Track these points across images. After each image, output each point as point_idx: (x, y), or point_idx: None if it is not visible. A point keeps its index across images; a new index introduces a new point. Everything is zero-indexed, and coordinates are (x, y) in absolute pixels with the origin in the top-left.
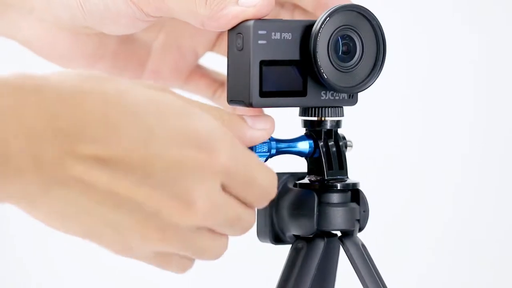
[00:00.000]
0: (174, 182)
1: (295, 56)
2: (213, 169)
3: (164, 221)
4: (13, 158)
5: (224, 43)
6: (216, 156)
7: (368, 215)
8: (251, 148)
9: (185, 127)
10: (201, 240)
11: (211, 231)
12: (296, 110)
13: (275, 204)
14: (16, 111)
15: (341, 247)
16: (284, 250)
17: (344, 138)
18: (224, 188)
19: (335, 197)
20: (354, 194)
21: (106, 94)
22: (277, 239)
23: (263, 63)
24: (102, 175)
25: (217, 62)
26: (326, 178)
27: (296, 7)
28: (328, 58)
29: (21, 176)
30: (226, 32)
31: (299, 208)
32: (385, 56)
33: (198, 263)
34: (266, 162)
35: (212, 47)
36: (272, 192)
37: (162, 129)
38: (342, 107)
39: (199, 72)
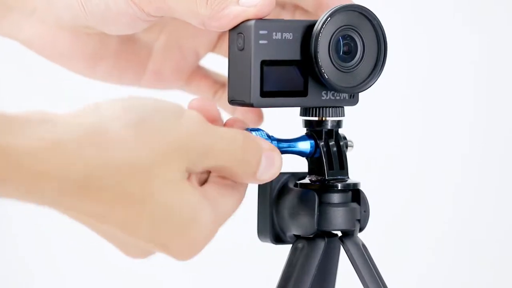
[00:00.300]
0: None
1: (296, 56)
2: (170, 174)
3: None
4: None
5: (225, 44)
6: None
7: (368, 215)
8: None
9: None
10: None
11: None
12: (297, 110)
13: (275, 204)
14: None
15: (341, 247)
16: (285, 250)
17: (345, 138)
18: (191, 175)
19: (335, 197)
20: (355, 194)
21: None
22: (278, 239)
23: (264, 63)
24: (93, 221)
25: (218, 63)
26: (326, 178)
27: (297, 7)
28: (329, 58)
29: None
30: (227, 33)
31: (300, 208)
32: (386, 56)
33: (199, 263)
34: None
35: (213, 48)
36: (240, 149)
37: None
38: (343, 107)
39: (200, 73)
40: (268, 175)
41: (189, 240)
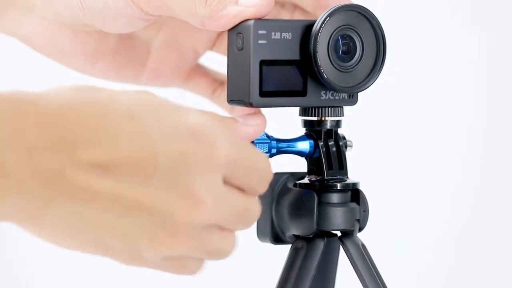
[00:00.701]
0: (177, 179)
1: (295, 56)
2: (215, 162)
3: (172, 222)
4: (13, 173)
5: (224, 42)
6: (216, 149)
7: (368, 215)
8: None
9: (182, 123)
10: (211, 239)
11: (220, 228)
12: (296, 110)
13: (275, 204)
14: (14, 124)
15: (341, 247)
16: (284, 250)
17: (344, 138)
18: (225, 180)
19: (335, 197)
20: (354, 194)
21: (99, 101)
22: (277, 239)
23: (263, 63)
24: (104, 181)
25: (217, 62)
26: (326, 178)
27: (296, 7)
28: (328, 58)
29: (22, 191)
30: (226, 31)
31: (299, 208)
32: (385, 56)
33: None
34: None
35: (212, 46)
36: (270, 175)
37: (158, 128)
38: (342, 107)
39: (199, 71)
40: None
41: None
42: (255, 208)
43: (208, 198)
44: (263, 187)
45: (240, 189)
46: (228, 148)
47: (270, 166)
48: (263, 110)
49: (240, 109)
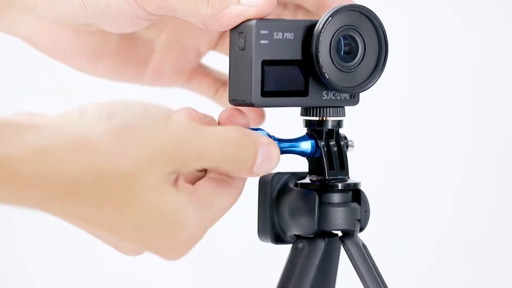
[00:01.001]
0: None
1: (297, 56)
2: (157, 182)
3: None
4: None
5: (226, 42)
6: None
7: (369, 215)
8: None
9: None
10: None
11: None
12: (298, 110)
13: (276, 204)
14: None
15: (342, 247)
16: (285, 250)
17: (345, 138)
18: (178, 178)
19: (336, 197)
20: (355, 194)
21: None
22: (278, 239)
23: (265, 63)
24: (79, 224)
25: (219, 62)
26: (327, 178)
27: (299, 7)
28: (330, 58)
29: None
30: (229, 31)
31: (300, 208)
32: (387, 56)
33: (199, 263)
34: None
35: (214, 46)
36: (232, 149)
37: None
38: (343, 107)
39: (202, 71)
40: (265, 169)
41: (175, 241)
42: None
43: (186, 247)
44: (239, 167)
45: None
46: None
47: (232, 139)
48: (265, 109)
49: (243, 109)
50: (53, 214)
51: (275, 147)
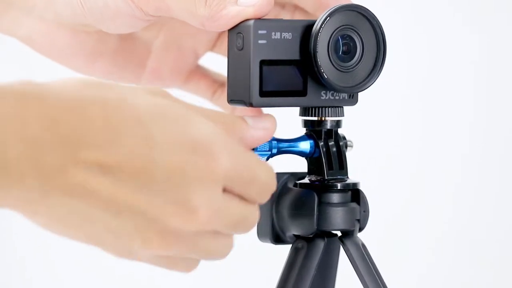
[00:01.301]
0: (175, 189)
1: (295, 56)
2: (214, 175)
3: (165, 227)
4: (13, 165)
5: (224, 43)
6: (217, 161)
7: (368, 215)
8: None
9: (186, 134)
10: (205, 243)
11: (215, 232)
12: (296, 110)
13: (275, 204)
14: (18, 117)
15: (341, 247)
16: (284, 250)
17: (344, 138)
18: (225, 190)
19: (335, 197)
20: (354, 194)
21: (108, 100)
22: (277, 239)
23: (263, 63)
24: (104, 182)
25: (217, 63)
26: (326, 178)
27: (296, 8)
28: (328, 58)
29: (21, 183)
30: (227, 32)
31: (299, 208)
32: (385, 56)
33: (199, 263)
34: (268, 162)
35: (212, 47)
36: (273, 186)
37: (163, 136)
38: (342, 107)
39: (199, 72)
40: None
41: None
42: (253, 216)
43: (203, 210)
44: (264, 198)
45: (240, 197)
46: (229, 161)
47: (273, 177)
48: (264, 109)
49: (241, 110)
50: (53, 203)
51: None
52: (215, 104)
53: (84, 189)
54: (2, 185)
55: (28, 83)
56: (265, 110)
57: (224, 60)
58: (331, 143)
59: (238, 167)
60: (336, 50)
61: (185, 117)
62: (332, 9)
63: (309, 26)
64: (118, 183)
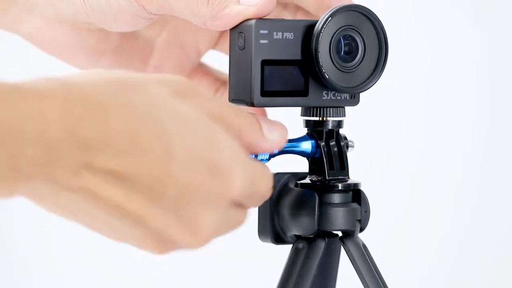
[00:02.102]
0: (185, 207)
1: (297, 56)
2: (226, 197)
3: (166, 239)
4: (25, 167)
5: (226, 40)
6: (231, 184)
7: (369, 215)
8: None
9: (207, 151)
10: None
11: None
12: (298, 110)
13: (276, 204)
14: (39, 118)
15: (342, 247)
16: (285, 250)
17: (345, 138)
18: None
19: (336, 197)
20: (355, 194)
21: (132, 105)
22: (278, 239)
23: (264, 63)
24: (115, 189)
25: (220, 61)
26: (327, 178)
27: (298, 8)
28: (330, 58)
29: (30, 182)
30: (229, 30)
31: (300, 208)
32: (387, 56)
33: (199, 263)
34: (268, 161)
35: (214, 45)
36: (268, 195)
37: (183, 149)
38: (343, 107)
39: (202, 70)
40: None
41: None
42: (244, 219)
43: (207, 229)
44: (258, 205)
45: (239, 206)
46: (242, 181)
47: (271, 187)
48: (265, 110)
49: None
50: (60, 185)
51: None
52: None
53: (94, 194)
54: (10, 184)
55: (51, 79)
56: (267, 110)
57: (227, 57)
58: (333, 143)
59: (247, 184)
60: (338, 50)
61: (208, 132)
62: (334, 9)
63: (310, 26)
64: (130, 194)
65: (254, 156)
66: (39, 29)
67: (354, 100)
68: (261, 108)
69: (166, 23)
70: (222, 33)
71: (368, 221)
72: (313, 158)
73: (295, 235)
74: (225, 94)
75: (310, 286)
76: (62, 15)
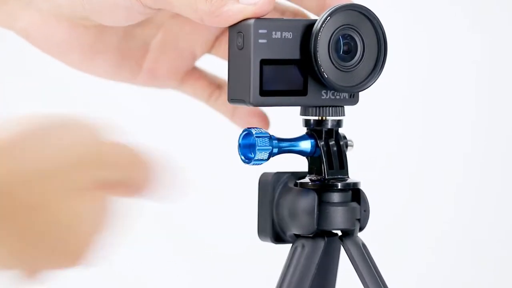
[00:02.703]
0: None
1: (296, 55)
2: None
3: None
4: None
5: (222, 45)
6: None
7: (368, 214)
8: (254, 146)
9: None
10: None
11: None
12: (297, 109)
13: (275, 204)
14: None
15: (341, 246)
16: (285, 250)
17: (345, 137)
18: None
19: (335, 197)
20: (355, 194)
21: None
22: (278, 239)
23: (263, 62)
24: None
25: (215, 66)
26: (326, 177)
27: (296, 15)
28: (328, 58)
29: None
30: (225, 34)
31: (300, 208)
32: (386, 55)
33: (199, 263)
34: (268, 161)
35: (210, 49)
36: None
37: None
38: (343, 106)
39: (196, 73)
40: None
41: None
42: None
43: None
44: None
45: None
46: None
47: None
48: (264, 109)
49: (241, 111)
50: None
51: None
52: (211, 106)
53: None
54: None
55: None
56: (266, 109)
57: (222, 62)
58: (332, 142)
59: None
60: (337, 49)
61: None
62: (333, 9)
63: (309, 25)
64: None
65: (253, 156)
66: (34, 24)
67: (353, 99)
68: (264, 114)
69: (162, 24)
70: (217, 37)
71: (367, 220)
72: (312, 158)
73: (295, 235)
74: (219, 99)
75: (310, 286)
76: (59, 8)
